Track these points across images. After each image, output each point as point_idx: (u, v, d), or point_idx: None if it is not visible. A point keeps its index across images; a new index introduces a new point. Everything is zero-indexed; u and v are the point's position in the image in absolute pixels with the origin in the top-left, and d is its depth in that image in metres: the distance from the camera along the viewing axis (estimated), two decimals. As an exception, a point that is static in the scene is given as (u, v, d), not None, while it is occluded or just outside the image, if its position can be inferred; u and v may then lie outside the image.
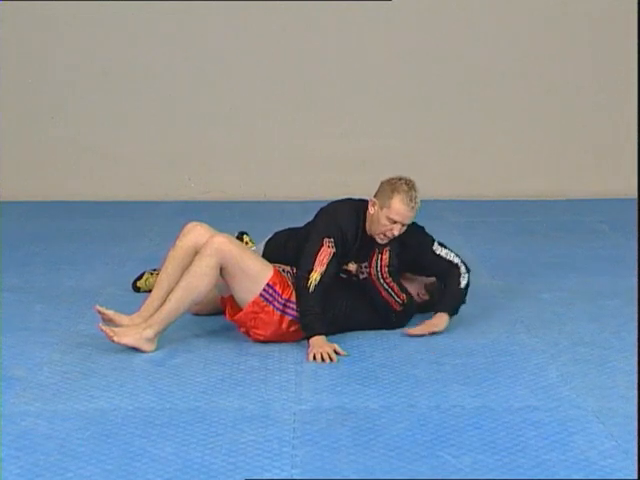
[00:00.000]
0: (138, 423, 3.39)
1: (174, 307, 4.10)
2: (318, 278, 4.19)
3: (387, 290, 4.33)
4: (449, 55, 7.85)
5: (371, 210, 4.31)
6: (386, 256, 4.32)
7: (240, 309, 4.22)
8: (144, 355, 4.05)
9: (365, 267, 4.36)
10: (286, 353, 4.13)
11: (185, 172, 7.90)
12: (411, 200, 4.23)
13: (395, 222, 4.24)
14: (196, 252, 4.20)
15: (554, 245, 6.24)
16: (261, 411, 3.50)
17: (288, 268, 4.35)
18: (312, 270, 4.20)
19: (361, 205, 4.39)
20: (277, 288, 4.19)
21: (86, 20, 7.71)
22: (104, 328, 4.07)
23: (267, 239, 4.67)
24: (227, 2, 7.68)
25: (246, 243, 5.13)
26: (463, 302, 4.41)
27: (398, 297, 4.35)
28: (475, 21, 7.83)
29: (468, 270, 4.42)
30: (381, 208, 4.25)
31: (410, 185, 4.28)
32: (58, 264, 5.63)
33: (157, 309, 4.15)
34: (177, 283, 4.14)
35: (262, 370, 3.93)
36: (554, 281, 5.31)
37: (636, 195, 6.48)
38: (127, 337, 4.05)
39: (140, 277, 5.05)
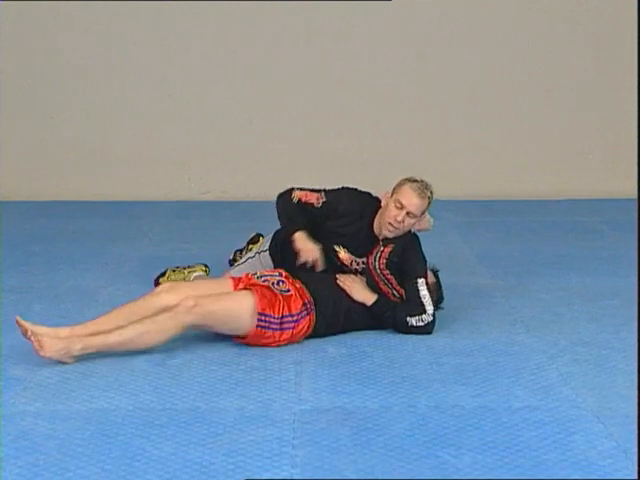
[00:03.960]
0: (138, 423, 3.39)
1: (117, 343, 3.96)
2: (296, 199, 4.50)
3: (385, 282, 4.36)
4: (449, 55, 7.85)
5: (383, 202, 4.42)
6: (388, 250, 4.36)
7: None
8: (144, 355, 4.03)
9: (362, 262, 4.43)
10: (286, 353, 4.13)
11: (185, 172, 7.91)
12: (420, 190, 4.35)
13: (402, 207, 4.29)
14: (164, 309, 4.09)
15: (554, 245, 6.24)
16: (261, 411, 3.50)
17: (266, 271, 4.39)
18: (295, 190, 4.54)
19: (375, 202, 4.50)
20: (268, 312, 4.15)
21: (86, 20, 7.72)
22: (32, 339, 3.91)
23: (275, 232, 4.72)
24: (227, 2, 7.69)
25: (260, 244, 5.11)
26: (393, 323, 4.33)
27: (396, 290, 4.37)
28: (476, 21, 7.83)
29: (430, 322, 4.31)
30: (391, 196, 4.37)
31: (423, 182, 4.41)
32: (58, 264, 5.63)
33: (91, 333, 4.03)
34: (137, 322, 4.00)
35: (262, 370, 3.93)
36: (554, 281, 5.32)
37: (636, 195, 6.48)
38: (51, 352, 3.89)
39: (163, 274, 5.00)
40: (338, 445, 3.23)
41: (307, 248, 4.42)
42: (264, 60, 7.84)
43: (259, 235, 5.26)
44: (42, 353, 3.90)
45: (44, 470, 3.05)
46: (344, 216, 4.47)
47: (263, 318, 4.14)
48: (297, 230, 4.47)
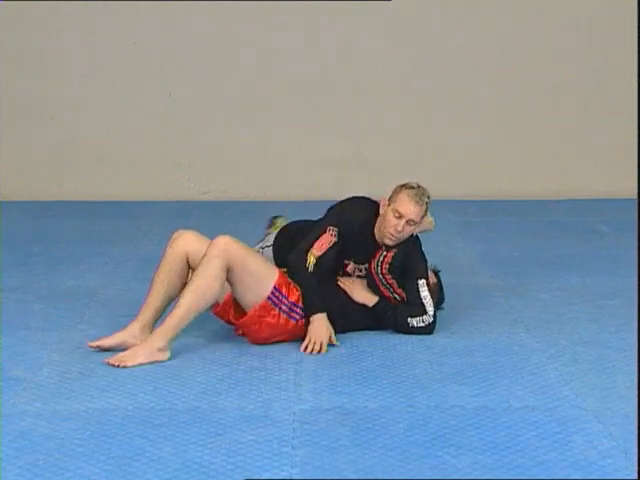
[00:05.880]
0: (138, 423, 3.39)
1: (184, 312, 3.98)
2: (313, 261, 4.24)
3: (386, 286, 4.36)
4: (449, 55, 7.85)
5: (381, 211, 4.37)
6: (391, 255, 4.34)
7: (236, 313, 4.21)
8: (144, 355, 4.04)
9: (365, 268, 4.40)
10: (286, 353, 4.13)
11: (185, 172, 7.91)
12: (418, 197, 4.29)
13: (400, 216, 4.26)
14: (187, 258, 4.15)
15: (554, 245, 6.24)
16: (261, 411, 3.50)
17: None
18: (309, 251, 4.25)
19: (375, 206, 4.43)
20: (283, 291, 4.17)
21: (86, 20, 7.71)
22: (110, 362, 3.93)
23: (280, 229, 4.69)
24: (228, 2, 7.68)
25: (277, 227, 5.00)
26: (394, 324, 4.34)
27: (397, 294, 4.37)
28: (477, 20, 7.83)
29: (431, 323, 4.32)
30: (389, 204, 4.32)
31: (420, 187, 4.35)
32: (58, 264, 5.63)
33: (155, 314, 4.11)
34: (185, 287, 4.04)
35: (262, 370, 3.92)
36: (554, 281, 5.31)
37: (636, 195, 6.48)
38: (139, 357, 3.93)
39: None
40: (338, 445, 3.23)
41: (318, 338, 4.13)
42: (264, 60, 7.83)
43: (277, 217, 5.11)
44: (130, 364, 3.91)
45: (44, 470, 3.04)
46: (358, 231, 4.37)
47: (277, 294, 4.14)
48: (318, 312, 4.19)
